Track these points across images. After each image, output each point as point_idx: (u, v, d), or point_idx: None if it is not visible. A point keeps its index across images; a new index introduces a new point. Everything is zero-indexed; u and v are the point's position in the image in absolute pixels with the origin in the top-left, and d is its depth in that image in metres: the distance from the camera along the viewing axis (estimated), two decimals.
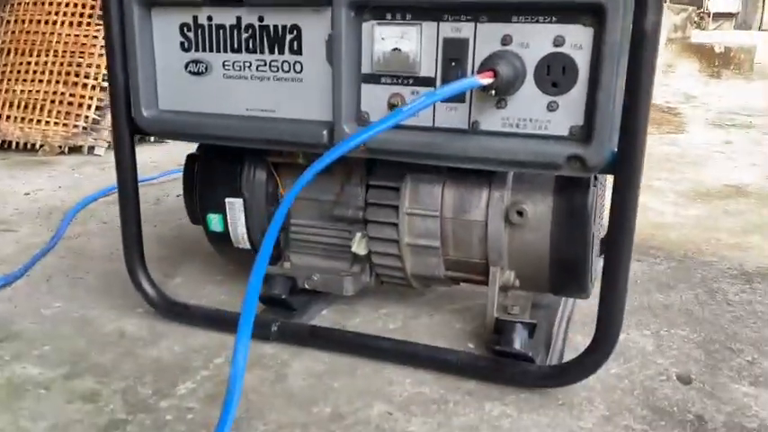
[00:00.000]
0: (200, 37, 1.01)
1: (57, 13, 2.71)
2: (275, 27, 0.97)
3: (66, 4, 2.70)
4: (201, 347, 1.06)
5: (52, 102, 2.64)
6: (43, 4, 2.73)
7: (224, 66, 1.01)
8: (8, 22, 2.80)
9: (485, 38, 0.87)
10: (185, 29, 1.02)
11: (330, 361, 1.03)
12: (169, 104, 1.06)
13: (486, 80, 0.80)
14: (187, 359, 1.03)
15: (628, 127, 0.81)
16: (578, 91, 0.85)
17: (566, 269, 0.99)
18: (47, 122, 2.62)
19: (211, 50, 1.01)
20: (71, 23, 2.69)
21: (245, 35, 0.99)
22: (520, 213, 0.95)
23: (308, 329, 1.08)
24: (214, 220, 1.16)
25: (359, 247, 1.08)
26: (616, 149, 0.84)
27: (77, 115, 2.60)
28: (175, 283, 1.32)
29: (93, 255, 1.47)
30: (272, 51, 0.98)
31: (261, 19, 0.97)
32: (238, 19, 0.98)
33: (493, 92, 0.83)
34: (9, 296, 1.25)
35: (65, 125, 2.62)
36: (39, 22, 2.73)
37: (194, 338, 1.09)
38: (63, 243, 1.54)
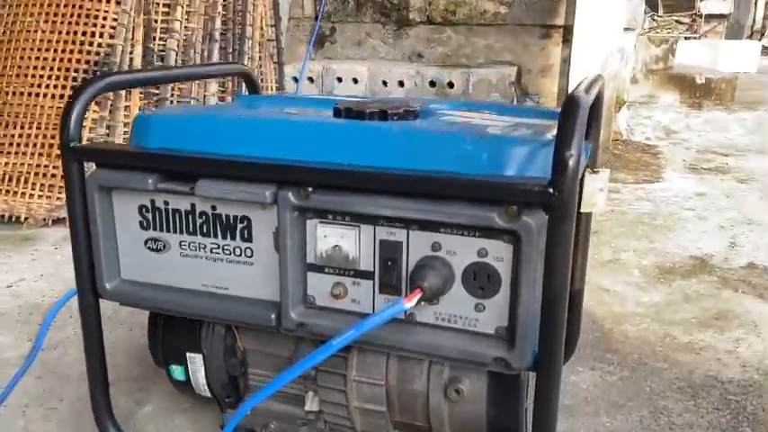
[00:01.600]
0: (157, 218, 1.08)
1: (39, 86, 2.77)
2: (227, 216, 1.03)
3: (49, 77, 2.76)
4: None
5: (36, 174, 2.71)
6: (26, 76, 2.79)
7: (180, 245, 1.08)
8: None
9: (417, 243, 0.94)
10: (144, 210, 1.08)
11: None
12: (130, 275, 1.12)
13: (412, 303, 0.86)
14: None
15: (545, 335, 0.88)
16: (502, 296, 0.91)
17: None
18: (30, 195, 2.69)
19: (168, 231, 1.07)
20: (53, 96, 2.75)
21: (199, 220, 1.05)
22: (457, 392, 1.02)
23: None
24: (176, 371, 1.22)
25: (311, 404, 1.14)
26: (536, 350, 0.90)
27: (60, 187, 2.67)
28: (145, 413, 1.38)
29: (69, 373, 1.53)
30: (224, 237, 1.04)
31: (213, 208, 1.04)
32: (193, 206, 1.05)
33: (422, 303, 0.90)
34: None
35: (48, 197, 2.68)
36: (22, 94, 2.79)
37: None
38: (41, 357, 1.60)
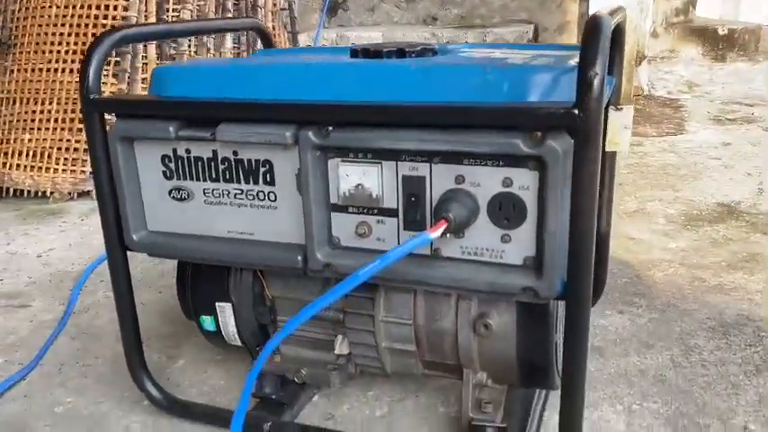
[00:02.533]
0: (180, 167, 1.08)
1: (57, 61, 2.78)
2: (249, 161, 1.03)
3: (66, 52, 2.77)
4: None
5: (59, 149, 2.73)
6: (44, 52, 2.81)
7: (204, 193, 1.08)
8: (11, 71, 2.88)
9: (440, 177, 0.93)
10: (166, 159, 1.08)
11: None
12: (156, 226, 1.13)
13: (437, 233, 0.86)
14: None
15: (574, 263, 0.87)
16: (529, 226, 0.90)
17: (533, 370, 1.06)
18: (55, 170, 2.71)
19: (191, 179, 1.08)
20: (71, 71, 2.76)
21: (221, 167, 1.05)
22: (486, 327, 1.02)
23: (296, 427, 1.17)
24: (207, 321, 1.23)
25: (341, 348, 1.15)
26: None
27: (84, 161, 2.69)
28: (178, 367, 1.41)
29: (102, 333, 1.56)
30: (247, 182, 1.05)
31: (235, 153, 1.04)
32: (214, 152, 1.05)
33: (447, 235, 0.90)
34: (25, 392, 1.35)
35: (72, 171, 2.71)
36: (41, 70, 2.81)
37: None
38: (73, 320, 1.64)
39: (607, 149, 1.34)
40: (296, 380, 1.21)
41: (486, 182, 0.91)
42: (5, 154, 2.78)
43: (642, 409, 1.21)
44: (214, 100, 1.02)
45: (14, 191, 2.73)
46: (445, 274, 0.96)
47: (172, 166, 1.08)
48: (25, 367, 1.42)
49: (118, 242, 1.14)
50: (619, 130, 1.33)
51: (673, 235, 2.05)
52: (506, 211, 0.91)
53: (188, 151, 1.07)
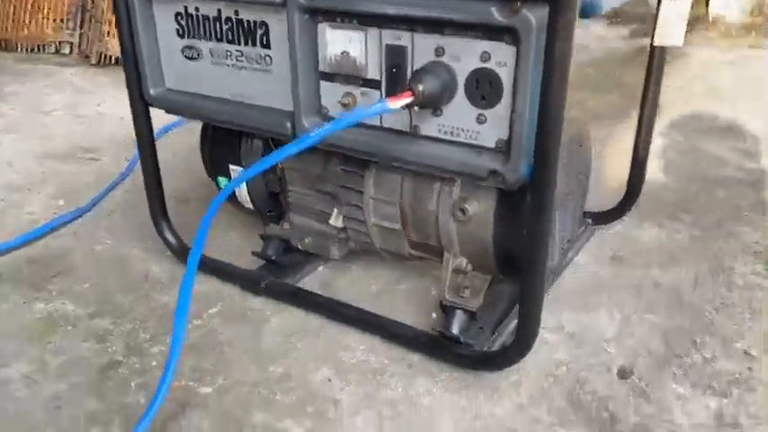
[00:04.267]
0: (191, 25, 1.10)
1: None
2: (248, 21, 1.04)
3: None
4: (204, 296, 1.24)
5: None
6: None
7: (211, 53, 1.10)
8: None
9: (421, 47, 0.89)
10: (179, 17, 1.11)
11: (304, 320, 1.17)
12: (172, 84, 1.18)
13: (396, 104, 0.83)
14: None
15: (540, 147, 0.82)
16: (504, 106, 0.86)
17: (509, 259, 1.03)
18: None
19: (200, 38, 1.10)
20: None
21: (225, 26, 1.07)
22: (463, 211, 1.00)
23: (291, 290, 1.22)
24: (223, 182, 1.30)
25: (336, 221, 1.18)
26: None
27: None
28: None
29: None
30: (246, 43, 1.06)
31: (236, 12, 1.04)
32: (219, 11, 1.06)
33: (416, 108, 0.87)
34: (75, 229, 1.50)
35: None
36: None
37: (201, 285, 1.27)
38: (133, 176, 1.77)
39: (656, 43, 1.23)
40: (300, 247, 1.26)
41: (465, 55, 0.86)
42: (109, 23, 2.94)
43: (641, 320, 1.16)
44: None
45: (115, 59, 2.90)
46: (421, 152, 0.94)
47: (184, 23, 1.11)
48: (80, 209, 1.57)
49: (139, 97, 1.20)
50: (671, 20, 1.20)
51: (755, 155, 1.86)
52: (483, 88, 0.86)
53: (197, 9, 1.08)
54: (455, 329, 1.04)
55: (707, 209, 1.54)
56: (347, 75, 0.97)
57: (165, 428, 0.94)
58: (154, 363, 1.07)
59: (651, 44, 1.25)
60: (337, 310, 1.16)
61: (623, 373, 1.04)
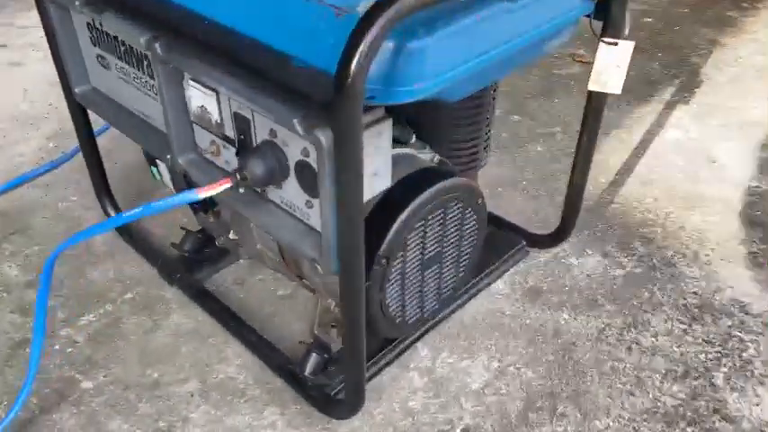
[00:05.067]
0: (98, 37, 1.12)
1: None
2: (137, 50, 1.04)
3: None
4: (128, 278, 1.35)
5: None
6: None
7: (116, 67, 1.12)
8: None
9: (260, 124, 0.88)
10: (90, 27, 1.13)
11: (200, 321, 1.25)
12: (96, 83, 1.22)
13: (207, 193, 0.84)
14: (109, 288, 1.33)
15: (342, 246, 0.82)
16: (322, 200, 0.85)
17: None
18: None
19: (107, 51, 1.12)
20: None
21: (122, 48, 1.08)
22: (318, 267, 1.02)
23: (197, 287, 1.31)
24: (154, 170, 1.35)
25: (234, 235, 1.22)
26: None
27: None
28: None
29: (130, 145, 1.76)
30: (138, 68, 1.06)
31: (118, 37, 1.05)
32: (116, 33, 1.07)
33: (241, 190, 0.88)
34: (48, 181, 1.63)
35: None
36: None
37: (130, 267, 1.37)
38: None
39: (591, 88, 1.14)
40: (217, 243, 1.32)
41: (292, 144, 0.85)
42: None
43: (517, 374, 1.16)
44: None
45: None
46: (265, 218, 0.95)
47: (95, 34, 1.13)
48: (57, 160, 1.69)
49: (70, 93, 1.25)
50: (607, 68, 1.10)
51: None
52: (307, 178, 0.85)
53: (100, 24, 1.09)
54: (307, 369, 1.09)
55: (667, 240, 1.45)
56: (208, 127, 0.97)
57: (37, 421, 1.08)
58: (57, 347, 1.21)
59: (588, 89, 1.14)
60: (226, 319, 1.24)
61: None
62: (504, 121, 1.89)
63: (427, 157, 1.12)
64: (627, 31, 1.08)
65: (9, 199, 1.58)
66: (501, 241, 1.41)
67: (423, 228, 1.00)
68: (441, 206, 1.01)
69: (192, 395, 1.13)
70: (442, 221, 1.03)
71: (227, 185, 0.85)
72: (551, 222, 1.42)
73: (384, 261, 0.96)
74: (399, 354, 1.18)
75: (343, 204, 0.77)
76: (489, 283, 1.33)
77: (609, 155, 1.74)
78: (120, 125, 1.18)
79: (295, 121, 0.77)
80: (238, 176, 0.85)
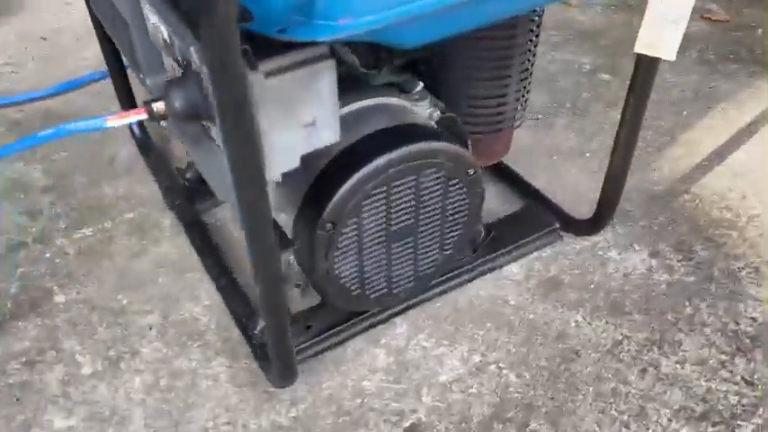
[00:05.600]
0: None
1: None
2: None
3: None
4: (134, 198, 1.32)
5: None
6: None
7: None
8: None
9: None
10: None
11: (187, 254, 1.20)
12: None
13: (120, 122, 0.75)
14: (114, 205, 1.31)
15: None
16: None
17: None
18: None
19: None
20: None
21: None
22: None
23: (192, 218, 1.25)
24: None
25: None
26: None
27: None
28: None
29: None
30: None
31: None
32: None
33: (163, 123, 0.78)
34: (99, 90, 1.64)
35: None
36: None
37: (141, 187, 1.35)
38: None
39: (638, 50, 0.92)
40: None
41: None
42: None
43: (495, 376, 1.00)
44: None
45: None
46: (200, 155, 0.86)
47: None
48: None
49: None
50: (659, 24, 0.88)
51: None
52: None
53: None
54: (258, 326, 1.01)
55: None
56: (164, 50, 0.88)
57: (4, 326, 1.09)
58: (47, 255, 1.22)
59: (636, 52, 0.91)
60: (205, 255, 1.18)
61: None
62: (590, 78, 1.63)
63: (424, 111, 0.96)
64: None
65: (60, 101, 1.61)
66: (530, 219, 1.22)
67: (385, 195, 0.86)
68: (410, 173, 0.86)
69: (150, 328, 1.09)
70: (414, 191, 0.88)
71: (141, 116, 0.76)
72: None
73: (329, 226, 0.84)
74: (370, 327, 1.06)
75: (229, 146, 0.65)
76: (502, 265, 1.16)
77: (703, 134, 1.45)
78: (113, 34, 1.12)
79: (192, 49, 0.66)
80: (154, 108, 0.75)
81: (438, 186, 0.90)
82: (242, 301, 1.09)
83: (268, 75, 0.69)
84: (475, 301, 1.11)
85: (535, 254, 1.19)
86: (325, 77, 0.73)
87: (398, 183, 0.86)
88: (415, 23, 0.69)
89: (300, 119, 0.74)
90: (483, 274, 1.14)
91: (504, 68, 1.01)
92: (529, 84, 1.07)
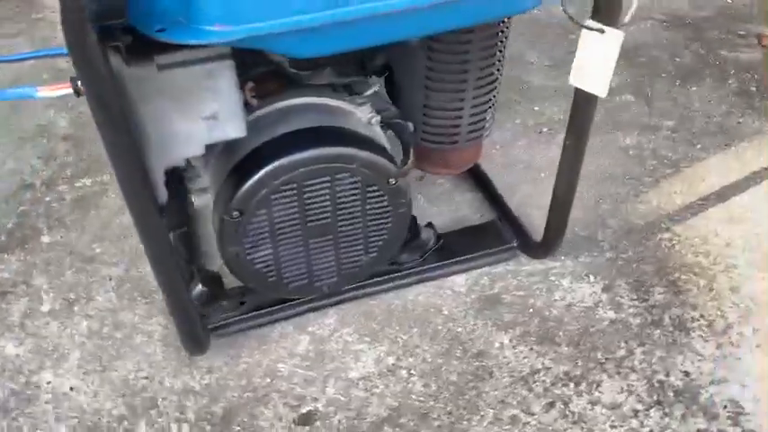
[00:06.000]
0: None
1: None
2: None
3: None
4: None
5: None
6: None
7: None
8: None
9: None
10: None
11: None
12: None
13: (51, 94, 0.82)
14: None
15: None
16: None
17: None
18: None
19: None
20: None
21: None
22: None
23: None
24: None
25: None
26: None
27: None
28: None
29: None
30: None
31: None
32: None
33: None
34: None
35: None
36: None
37: None
38: None
39: (572, 82, 0.91)
40: None
41: None
42: None
43: (403, 380, 1.02)
44: None
45: None
46: None
47: None
48: None
49: None
50: (589, 62, 0.87)
51: None
52: None
53: None
54: (193, 294, 1.08)
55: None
56: None
57: None
58: (48, 198, 1.35)
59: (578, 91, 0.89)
60: None
61: (303, 420, 0.99)
62: (609, 98, 1.56)
63: (364, 115, 0.98)
64: (627, 18, 0.80)
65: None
66: (489, 234, 1.21)
67: (296, 192, 0.89)
68: (322, 174, 0.89)
69: (109, 279, 1.19)
70: (329, 192, 0.91)
71: (67, 91, 0.83)
72: (579, 234, 1.19)
73: (236, 213, 0.89)
74: (300, 313, 1.11)
75: (102, 133, 0.72)
76: (447, 275, 1.17)
77: (711, 171, 1.36)
78: None
79: None
80: (79, 83, 0.83)
81: (355, 191, 0.92)
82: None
83: (162, 68, 0.75)
84: (410, 305, 1.13)
85: (486, 269, 1.18)
86: (224, 76, 0.77)
87: (310, 183, 0.89)
88: (302, 35, 0.71)
89: (199, 112, 0.79)
90: (425, 280, 1.16)
91: (459, 82, 1.00)
92: (495, 95, 1.06)
